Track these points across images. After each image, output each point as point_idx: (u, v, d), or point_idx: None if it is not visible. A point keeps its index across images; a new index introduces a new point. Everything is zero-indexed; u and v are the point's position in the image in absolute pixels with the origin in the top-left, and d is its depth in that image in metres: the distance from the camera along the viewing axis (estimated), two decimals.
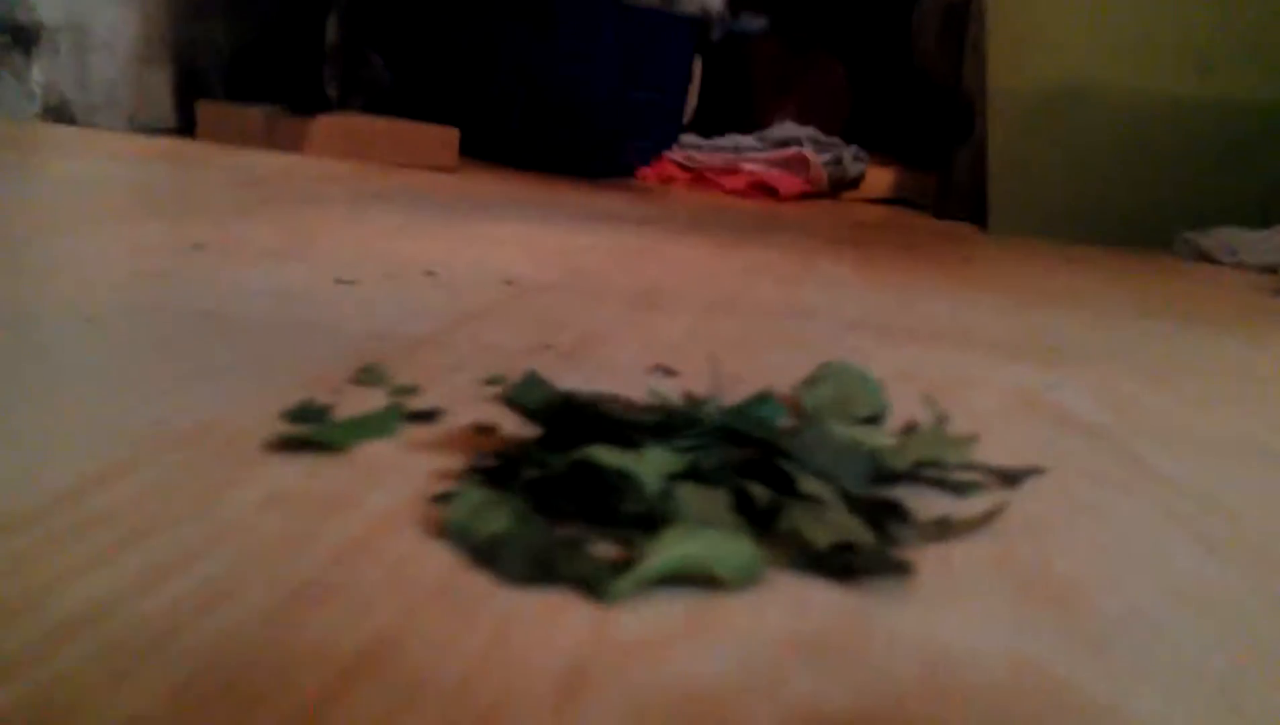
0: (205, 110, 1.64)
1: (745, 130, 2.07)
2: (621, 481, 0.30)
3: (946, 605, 0.28)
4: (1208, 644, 0.27)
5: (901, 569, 0.29)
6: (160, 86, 1.72)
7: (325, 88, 1.67)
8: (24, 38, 1.48)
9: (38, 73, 1.49)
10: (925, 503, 0.34)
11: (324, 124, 1.63)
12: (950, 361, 0.56)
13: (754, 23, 2.34)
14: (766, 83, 2.19)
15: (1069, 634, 0.27)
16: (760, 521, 0.30)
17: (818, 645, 0.25)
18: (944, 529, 0.32)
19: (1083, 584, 0.30)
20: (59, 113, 1.51)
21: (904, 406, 0.44)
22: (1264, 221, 1.17)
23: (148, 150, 1.31)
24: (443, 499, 0.30)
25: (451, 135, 1.71)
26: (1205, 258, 1.17)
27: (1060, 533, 0.34)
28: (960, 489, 0.36)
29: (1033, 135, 1.32)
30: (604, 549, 0.28)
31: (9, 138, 1.21)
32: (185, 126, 1.70)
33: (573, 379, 0.43)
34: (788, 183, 1.88)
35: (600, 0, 1.95)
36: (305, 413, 0.35)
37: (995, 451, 0.41)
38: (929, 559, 0.30)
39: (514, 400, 0.34)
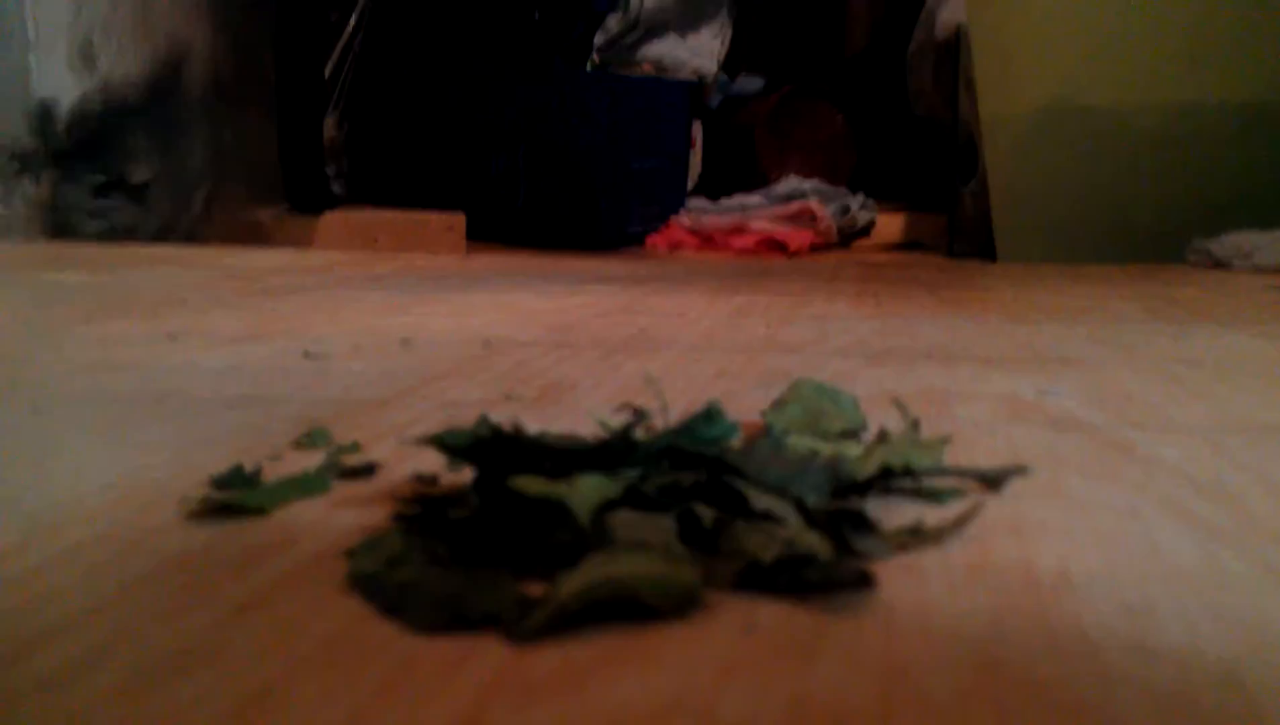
0: (215, 215, 1.66)
1: (751, 190, 2.07)
2: (548, 512, 0.27)
3: (912, 615, 0.25)
4: (1209, 631, 0.24)
5: (861, 580, 0.26)
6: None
7: (330, 184, 1.68)
8: (33, 163, 1.51)
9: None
10: (898, 512, 0.32)
11: (331, 219, 1.64)
12: (940, 377, 0.53)
13: (751, 83, 2.34)
14: (769, 141, 2.19)
15: (1054, 635, 0.24)
16: (706, 544, 0.28)
17: (760, 667, 0.22)
18: (915, 537, 0.29)
19: (1071, 581, 0.27)
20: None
21: (886, 423, 0.41)
22: (1275, 222, 1.14)
23: (153, 256, 1.32)
24: (355, 552, 0.27)
25: (457, 220, 1.72)
26: (1219, 264, 1.13)
27: (1046, 530, 0.31)
28: (935, 496, 0.33)
29: (1030, 159, 1.30)
30: (529, 587, 0.25)
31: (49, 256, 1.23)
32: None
33: (534, 425, 0.40)
34: (796, 237, 1.86)
35: (594, 73, 1.97)
36: (232, 478, 0.34)
37: (979, 456, 0.38)
38: (896, 568, 0.28)
39: (440, 441, 0.31)
